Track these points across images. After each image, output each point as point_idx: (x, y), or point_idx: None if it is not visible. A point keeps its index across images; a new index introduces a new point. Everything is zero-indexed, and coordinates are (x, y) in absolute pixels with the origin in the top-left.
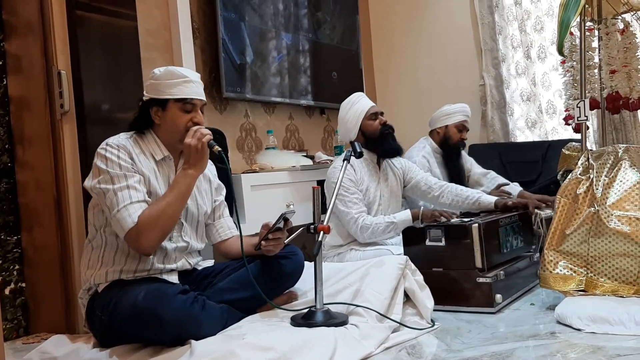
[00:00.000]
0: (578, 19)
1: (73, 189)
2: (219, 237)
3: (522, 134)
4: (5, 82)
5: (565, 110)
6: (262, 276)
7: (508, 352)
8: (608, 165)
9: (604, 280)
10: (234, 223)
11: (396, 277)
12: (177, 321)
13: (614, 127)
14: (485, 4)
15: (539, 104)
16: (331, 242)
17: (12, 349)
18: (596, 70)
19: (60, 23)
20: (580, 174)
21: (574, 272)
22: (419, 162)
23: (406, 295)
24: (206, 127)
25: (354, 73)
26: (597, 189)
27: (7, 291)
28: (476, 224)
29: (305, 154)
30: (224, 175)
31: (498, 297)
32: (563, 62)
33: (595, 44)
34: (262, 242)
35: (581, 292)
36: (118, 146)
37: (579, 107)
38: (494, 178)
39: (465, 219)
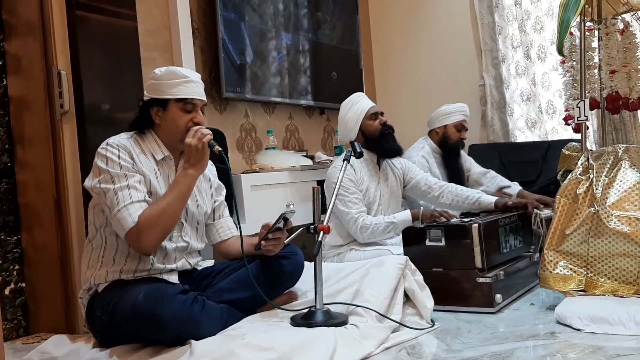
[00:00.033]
0: (578, 19)
1: (73, 189)
2: (219, 237)
3: (522, 134)
4: (5, 82)
5: (565, 110)
6: (262, 276)
7: (508, 352)
8: (608, 166)
9: (603, 281)
10: (234, 223)
11: (396, 277)
12: (177, 321)
13: (613, 127)
14: (485, 4)
15: (538, 104)
16: (331, 242)
17: (12, 349)
18: (596, 71)
19: (60, 23)
20: (580, 174)
21: (574, 272)
22: (418, 162)
23: (406, 295)
24: (206, 127)
25: (353, 73)
26: (597, 189)
27: (7, 291)
28: (476, 224)
29: (305, 154)
30: (224, 175)
31: (498, 297)
32: (563, 62)
33: (595, 44)
34: (262, 242)
35: (581, 292)
36: (119, 146)
37: (579, 107)
38: (494, 177)
39: (465, 219)
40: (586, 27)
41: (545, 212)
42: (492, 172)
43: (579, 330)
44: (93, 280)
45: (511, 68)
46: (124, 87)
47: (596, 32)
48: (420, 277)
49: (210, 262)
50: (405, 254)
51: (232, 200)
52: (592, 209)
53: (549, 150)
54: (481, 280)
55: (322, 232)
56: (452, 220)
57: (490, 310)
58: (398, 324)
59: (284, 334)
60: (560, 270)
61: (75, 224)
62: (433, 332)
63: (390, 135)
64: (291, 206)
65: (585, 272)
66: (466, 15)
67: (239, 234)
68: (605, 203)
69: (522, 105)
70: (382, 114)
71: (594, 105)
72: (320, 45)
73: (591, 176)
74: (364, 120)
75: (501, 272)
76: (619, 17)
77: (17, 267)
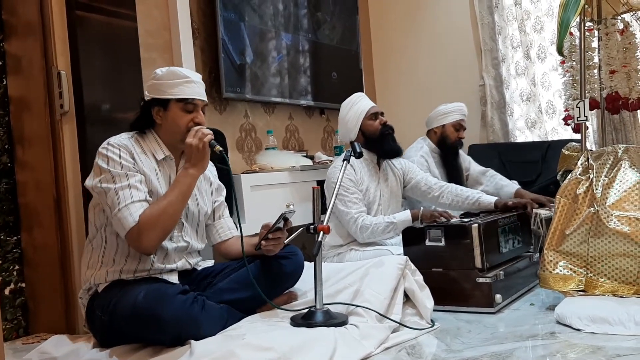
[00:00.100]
0: (578, 19)
1: (73, 189)
2: (219, 237)
3: (522, 134)
4: (5, 83)
5: (565, 111)
6: (262, 276)
7: (508, 352)
8: (608, 166)
9: (603, 281)
10: (234, 223)
11: (396, 277)
12: (177, 321)
13: (613, 127)
14: (485, 4)
15: (538, 104)
16: (331, 242)
17: (12, 349)
18: (596, 71)
19: (60, 23)
20: (580, 174)
21: (574, 272)
22: (418, 161)
23: (406, 295)
24: (206, 128)
25: (353, 73)
26: (596, 189)
27: (7, 291)
28: (476, 224)
29: (305, 154)
30: (225, 175)
31: (498, 297)
32: (563, 62)
33: (594, 44)
34: (262, 242)
35: (581, 292)
36: (119, 145)
37: (579, 107)
38: (493, 176)
39: (465, 219)
40: (586, 27)
41: (545, 212)
42: (491, 171)
43: (578, 330)
44: (93, 280)
45: (511, 68)
46: (124, 87)
47: (596, 32)
48: (420, 277)
49: (210, 262)
50: (405, 254)
51: (233, 201)
52: (592, 209)
53: (548, 151)
54: (481, 280)
55: (322, 232)
56: (452, 221)
57: (490, 310)
58: (398, 324)
59: (283, 334)
60: (560, 271)
61: (75, 224)
62: (433, 332)
63: (390, 136)
64: (291, 206)
65: (585, 272)
66: (466, 15)
67: (239, 234)
68: (605, 203)
69: (522, 106)
70: (382, 114)
71: (593, 105)
72: (320, 45)
73: (591, 176)
74: (364, 120)
75: (501, 272)
76: (619, 17)
77: (17, 267)
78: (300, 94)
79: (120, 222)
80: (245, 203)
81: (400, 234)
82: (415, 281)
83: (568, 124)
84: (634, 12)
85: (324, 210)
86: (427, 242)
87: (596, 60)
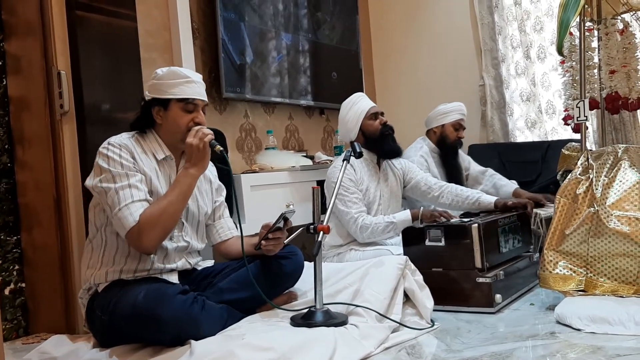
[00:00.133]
0: (577, 19)
1: (73, 190)
2: (219, 237)
3: (522, 134)
4: (5, 83)
5: (565, 110)
6: (262, 276)
7: (508, 352)
8: (608, 166)
9: (603, 280)
10: (234, 223)
11: (396, 277)
12: (177, 321)
13: (613, 127)
14: (485, 4)
15: (538, 104)
16: (331, 242)
17: (12, 349)
18: (595, 71)
19: (60, 23)
20: (579, 174)
21: (574, 272)
22: (417, 161)
23: (406, 295)
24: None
25: (353, 73)
26: (596, 189)
27: (6, 291)
28: (476, 224)
29: (305, 154)
30: (225, 175)
31: (498, 297)
32: (562, 62)
33: (594, 44)
34: (262, 242)
35: (581, 292)
36: (120, 145)
37: (579, 107)
38: (491, 175)
39: (465, 219)
40: (586, 27)
41: (545, 212)
42: (490, 171)
43: (578, 330)
44: (93, 280)
45: (511, 68)
46: (124, 87)
47: (596, 32)
48: (420, 277)
49: (210, 262)
50: (405, 254)
51: (233, 201)
52: (592, 209)
53: (548, 151)
54: (481, 280)
55: (321, 232)
56: (452, 221)
57: (490, 310)
58: (398, 324)
59: (283, 334)
60: (560, 270)
61: (75, 224)
62: (433, 332)
63: (390, 136)
64: (291, 206)
65: (585, 272)
66: (466, 16)
67: (239, 234)
68: (605, 203)
69: (522, 106)
70: (382, 114)
71: (593, 105)
72: (320, 45)
73: (591, 176)
74: (364, 120)
75: (501, 272)
76: (619, 17)
77: (16, 267)
78: (300, 94)
79: (121, 221)
80: (245, 203)
81: (400, 234)
82: (415, 281)
83: (568, 124)
84: (633, 12)
85: (323, 210)
86: (427, 242)
87: (596, 60)
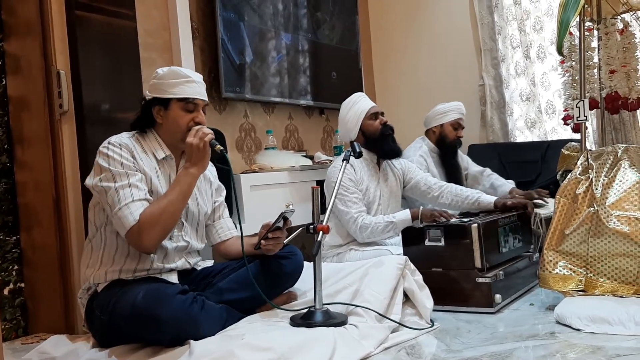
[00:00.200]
0: (577, 19)
1: (72, 189)
2: (219, 237)
3: (522, 134)
4: (4, 82)
5: (565, 110)
6: (262, 276)
7: (507, 352)
8: (607, 165)
9: (603, 281)
10: (234, 223)
11: (395, 277)
12: (176, 321)
13: (613, 127)
14: (485, 4)
15: (538, 104)
16: (330, 242)
17: (11, 349)
18: (595, 70)
19: (59, 23)
20: (579, 174)
21: (574, 272)
22: (417, 161)
23: (405, 295)
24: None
25: (353, 73)
26: (596, 189)
27: (6, 291)
28: (475, 224)
29: (304, 154)
30: (225, 175)
31: (497, 297)
32: (562, 62)
33: (594, 43)
34: (262, 242)
35: (580, 292)
36: (120, 145)
37: (579, 107)
38: (489, 175)
39: (465, 219)
40: (585, 27)
41: (545, 212)
42: (488, 170)
43: (578, 330)
44: (92, 280)
45: (511, 68)
46: (124, 87)
47: (595, 32)
48: (419, 277)
49: (209, 262)
50: (404, 254)
51: (233, 201)
52: (592, 208)
53: (548, 150)
54: (481, 280)
55: (321, 232)
56: (452, 220)
57: (490, 310)
58: (397, 324)
59: (283, 334)
60: (560, 270)
61: (75, 224)
62: (432, 332)
63: (390, 137)
64: (290, 206)
65: (585, 272)
66: (466, 15)
67: (238, 234)
68: (605, 203)
69: (522, 105)
70: (382, 114)
71: (593, 105)
72: (320, 45)
73: (591, 176)
74: (365, 120)
75: (501, 272)
76: (619, 17)
77: (16, 267)
78: (300, 93)
79: (121, 220)
80: (245, 203)
81: (400, 234)
82: (415, 281)
83: (567, 124)
84: (633, 12)
85: (323, 210)
86: (427, 242)
87: (596, 60)
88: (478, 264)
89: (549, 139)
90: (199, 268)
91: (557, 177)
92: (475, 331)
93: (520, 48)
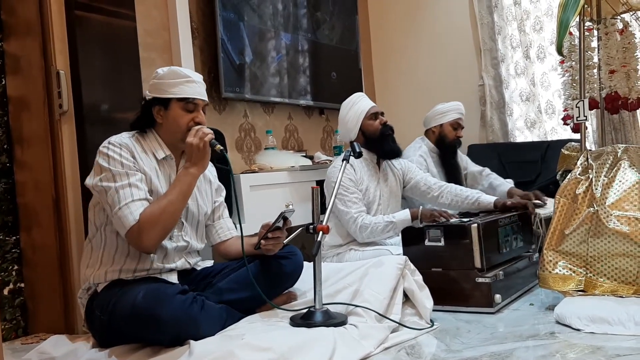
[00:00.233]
0: (577, 19)
1: (72, 189)
2: (219, 237)
3: (522, 134)
4: (4, 82)
5: (564, 110)
6: (262, 276)
7: (507, 352)
8: (607, 165)
9: (603, 281)
10: (234, 223)
11: (395, 277)
12: (176, 321)
13: (613, 127)
14: (485, 4)
15: (538, 104)
16: (330, 242)
17: (11, 349)
18: (595, 70)
19: (59, 23)
20: (579, 174)
21: (573, 272)
22: (417, 161)
23: (405, 295)
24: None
25: (353, 73)
26: (596, 189)
27: (5, 291)
28: (475, 224)
29: (304, 154)
30: (225, 175)
31: (497, 297)
32: (562, 62)
33: (594, 43)
34: (262, 241)
35: (580, 292)
36: (120, 144)
37: (578, 107)
38: (488, 175)
39: (464, 219)
40: (585, 27)
41: (545, 212)
42: (487, 170)
43: (578, 330)
44: (92, 280)
45: (510, 68)
46: (123, 87)
47: (595, 32)
48: (419, 277)
49: (209, 262)
50: (404, 254)
51: (233, 201)
52: (592, 209)
53: (548, 151)
54: (480, 280)
55: (321, 232)
56: (452, 220)
57: (490, 310)
58: (397, 324)
59: (283, 334)
60: (560, 270)
61: (74, 224)
62: (432, 332)
63: (390, 137)
64: (290, 206)
65: (585, 272)
66: (466, 15)
67: (238, 234)
68: (605, 203)
69: (522, 105)
70: (382, 114)
71: (593, 105)
72: (320, 45)
73: (590, 176)
74: (364, 120)
75: (500, 272)
76: (618, 17)
77: (15, 267)
78: (300, 93)
79: (121, 220)
80: (245, 203)
81: (400, 234)
82: (415, 281)
83: (567, 124)
84: (633, 12)
85: (323, 210)
86: (427, 242)
87: (595, 60)
88: (478, 264)
89: (549, 139)
90: (198, 268)
91: (557, 177)
92: (475, 331)
93: (520, 48)
